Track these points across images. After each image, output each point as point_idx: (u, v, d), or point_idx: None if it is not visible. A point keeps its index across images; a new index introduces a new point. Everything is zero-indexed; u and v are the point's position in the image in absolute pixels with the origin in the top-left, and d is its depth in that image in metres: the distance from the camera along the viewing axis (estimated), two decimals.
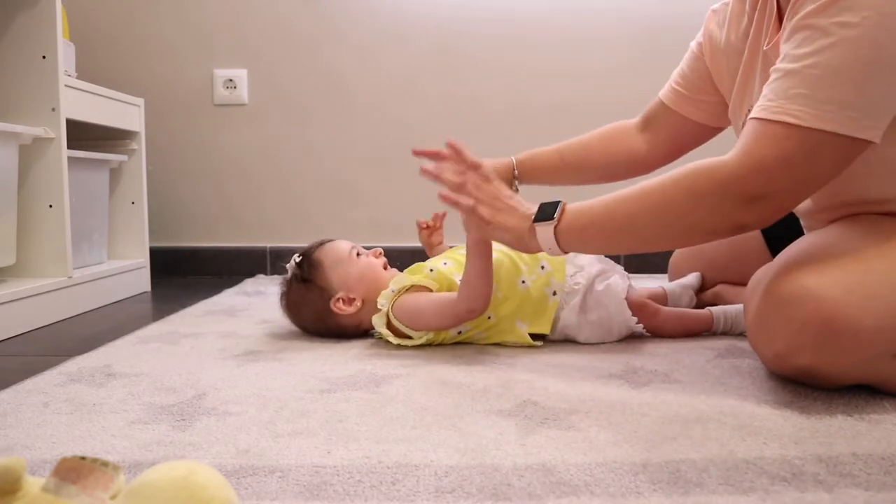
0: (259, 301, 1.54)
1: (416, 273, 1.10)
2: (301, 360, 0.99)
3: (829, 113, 0.70)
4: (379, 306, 1.07)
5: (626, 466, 0.60)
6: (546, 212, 0.87)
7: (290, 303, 1.14)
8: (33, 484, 0.40)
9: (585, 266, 1.09)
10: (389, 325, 1.07)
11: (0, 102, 1.36)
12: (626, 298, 1.07)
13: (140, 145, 1.75)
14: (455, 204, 0.93)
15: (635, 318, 1.08)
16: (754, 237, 1.19)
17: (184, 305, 1.47)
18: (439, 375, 0.90)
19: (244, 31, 1.99)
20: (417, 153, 1.06)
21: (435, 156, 1.05)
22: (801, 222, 1.00)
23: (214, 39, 1.99)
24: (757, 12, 0.91)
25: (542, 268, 1.09)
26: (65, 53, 1.41)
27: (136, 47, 1.99)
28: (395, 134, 2.01)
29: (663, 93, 1.15)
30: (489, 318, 1.05)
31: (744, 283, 0.92)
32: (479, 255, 0.98)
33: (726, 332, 1.12)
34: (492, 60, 1.99)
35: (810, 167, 0.73)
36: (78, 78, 1.52)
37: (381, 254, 1.17)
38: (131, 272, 1.68)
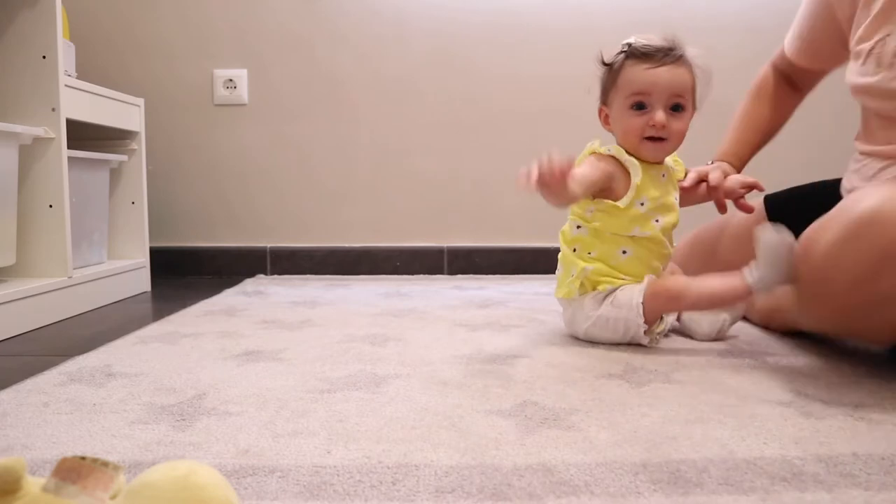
0: (259, 301, 1.54)
1: None
2: (301, 360, 0.99)
3: None
4: None
5: (626, 466, 0.60)
6: None
7: None
8: (33, 484, 0.40)
9: None
10: None
11: (0, 102, 1.36)
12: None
13: (140, 145, 1.75)
14: None
15: (645, 327, 1.04)
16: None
17: (184, 305, 1.47)
18: (439, 375, 0.90)
19: (244, 31, 1.99)
20: None
21: None
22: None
23: (214, 39, 1.99)
24: None
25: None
26: (65, 53, 1.41)
27: (136, 47, 1.99)
28: (394, 134, 2.01)
29: (795, 57, 1.24)
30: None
31: None
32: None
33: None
34: (491, 62, 1.99)
35: None
36: (78, 78, 1.52)
37: None
38: (131, 272, 1.68)
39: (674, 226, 1.08)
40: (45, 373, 0.92)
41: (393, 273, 2.01)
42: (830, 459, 0.62)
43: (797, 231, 1.24)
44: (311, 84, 2.00)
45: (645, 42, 1.01)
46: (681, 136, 1.03)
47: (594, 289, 1.07)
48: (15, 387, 0.86)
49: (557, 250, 1.14)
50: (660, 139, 1.02)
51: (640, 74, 1.00)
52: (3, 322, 1.18)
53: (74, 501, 0.40)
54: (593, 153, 1.06)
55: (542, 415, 0.74)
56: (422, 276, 1.99)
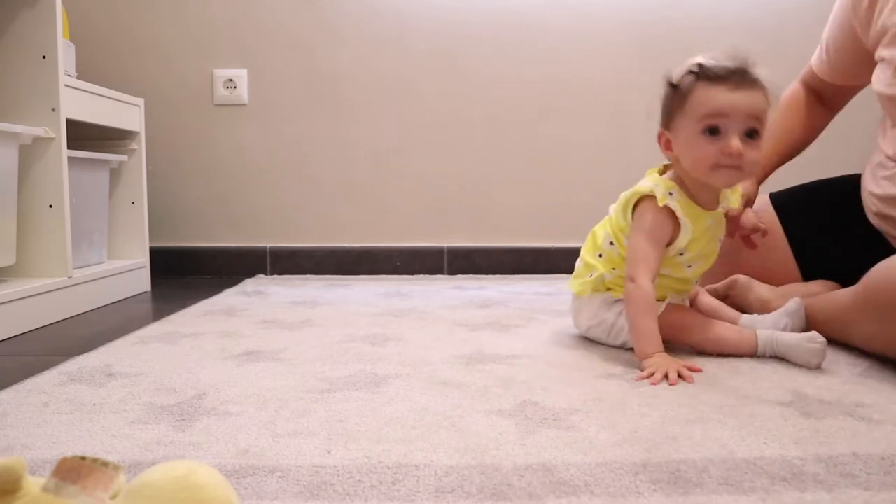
0: (259, 301, 1.54)
1: None
2: (301, 360, 0.99)
3: None
4: None
5: (626, 466, 0.60)
6: None
7: None
8: (33, 484, 0.40)
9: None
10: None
11: (0, 102, 1.36)
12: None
13: (140, 145, 1.75)
14: None
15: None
16: (782, 248, 1.23)
17: (184, 305, 1.47)
18: (439, 375, 0.90)
19: (244, 31, 1.99)
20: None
21: None
22: None
23: (214, 39, 1.99)
24: None
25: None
26: (65, 53, 1.41)
27: (136, 47, 1.99)
28: (394, 134, 2.01)
29: (822, 72, 1.23)
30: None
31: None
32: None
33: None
34: (491, 62, 1.99)
35: None
36: (78, 78, 1.52)
37: None
38: (131, 272, 1.68)
39: (705, 271, 1.07)
40: (45, 373, 0.92)
41: (393, 273, 2.01)
42: (830, 459, 0.62)
43: (807, 227, 1.25)
44: (311, 84, 2.00)
45: (717, 62, 0.92)
46: (755, 166, 0.94)
47: (608, 290, 1.07)
48: (15, 387, 0.86)
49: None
50: (733, 168, 0.92)
51: (715, 97, 0.90)
52: (3, 322, 1.18)
53: (74, 501, 0.40)
54: (650, 198, 0.98)
55: (542, 415, 0.74)
56: (422, 276, 1.99)
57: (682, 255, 1.01)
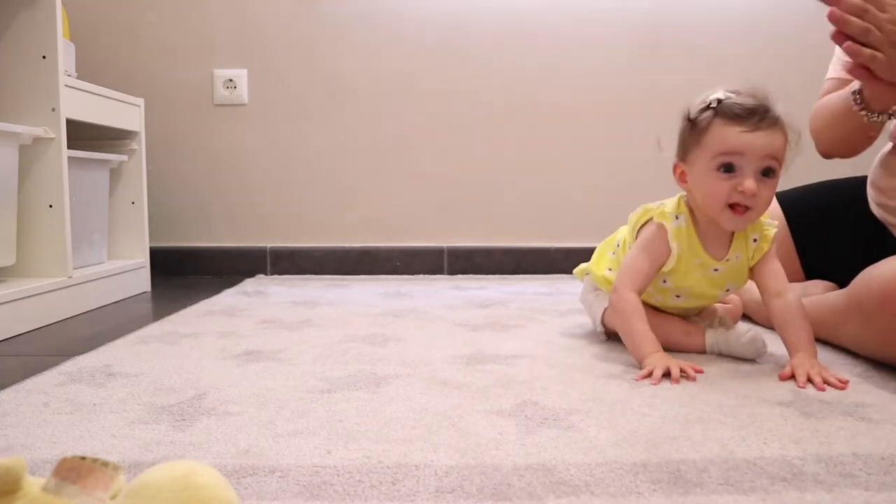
0: (259, 301, 1.54)
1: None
2: (301, 360, 0.99)
3: None
4: None
5: (626, 466, 0.60)
6: None
7: None
8: (33, 484, 0.40)
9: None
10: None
11: (0, 102, 1.36)
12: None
13: (140, 145, 1.75)
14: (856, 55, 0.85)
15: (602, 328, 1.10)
16: (786, 247, 1.22)
17: (184, 305, 1.47)
18: (439, 375, 0.90)
19: (244, 31, 1.99)
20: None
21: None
22: None
23: (214, 39, 1.99)
24: None
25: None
26: (65, 53, 1.41)
27: (136, 47, 1.99)
28: (394, 134, 2.01)
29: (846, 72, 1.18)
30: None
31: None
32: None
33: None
34: (491, 62, 1.99)
35: None
36: (78, 78, 1.52)
37: None
38: (131, 272, 1.68)
39: (698, 311, 1.07)
40: (45, 373, 0.92)
41: (393, 273, 2.01)
42: (830, 459, 0.62)
43: (812, 228, 1.25)
44: (311, 84, 2.00)
45: (736, 100, 0.89)
46: (767, 205, 0.92)
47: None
48: (15, 387, 0.86)
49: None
50: (745, 208, 0.91)
51: (732, 136, 0.89)
52: (3, 322, 1.18)
53: (74, 501, 0.40)
54: (654, 220, 0.99)
55: (542, 415, 0.74)
56: (422, 276, 1.99)
57: (664, 281, 1.01)
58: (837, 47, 1.17)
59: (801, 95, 1.83)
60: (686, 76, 1.93)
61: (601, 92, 1.99)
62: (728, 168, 0.90)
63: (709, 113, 0.91)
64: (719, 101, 0.90)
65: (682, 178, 0.98)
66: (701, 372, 0.90)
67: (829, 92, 1.19)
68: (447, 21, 1.98)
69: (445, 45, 1.99)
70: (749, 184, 0.88)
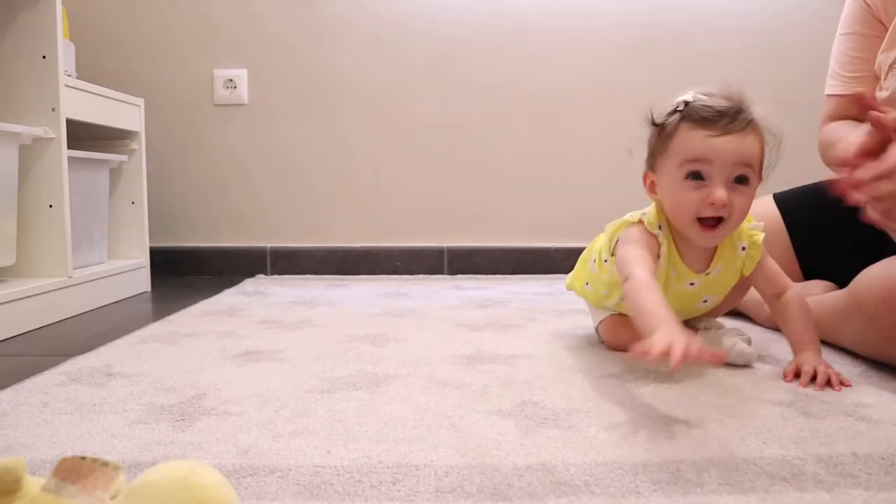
0: (259, 301, 1.54)
1: None
2: (301, 360, 0.99)
3: None
4: None
5: (626, 466, 0.60)
6: None
7: None
8: (33, 484, 0.40)
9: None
10: None
11: (0, 102, 1.36)
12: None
13: (140, 145, 1.75)
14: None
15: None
16: (784, 248, 1.22)
17: (184, 305, 1.47)
18: (439, 375, 0.90)
19: (244, 31, 1.99)
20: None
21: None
22: None
23: (214, 39, 1.99)
24: None
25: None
26: (65, 53, 1.41)
27: (136, 47, 1.99)
28: (395, 134, 2.01)
29: (843, 91, 1.15)
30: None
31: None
32: None
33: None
34: (491, 63, 1.99)
35: None
36: (78, 78, 1.52)
37: None
38: (131, 272, 1.68)
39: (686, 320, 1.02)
40: (45, 373, 0.92)
41: (393, 273, 2.01)
42: (830, 459, 0.62)
43: (810, 228, 1.25)
44: (311, 84, 2.00)
45: (705, 102, 0.83)
46: (743, 215, 0.86)
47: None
48: (15, 387, 0.86)
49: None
50: (717, 222, 0.85)
51: (698, 141, 0.82)
52: (3, 322, 1.18)
53: (74, 501, 0.40)
54: (638, 225, 0.92)
55: (542, 415, 0.74)
56: (422, 276, 1.99)
57: None
58: (833, 57, 1.17)
59: (801, 94, 1.84)
60: (687, 77, 1.93)
61: (602, 92, 1.99)
62: (696, 176, 0.84)
63: (675, 116, 0.85)
64: (687, 103, 0.84)
65: (651, 188, 0.92)
66: (723, 357, 0.81)
67: (833, 114, 1.18)
68: (447, 22, 1.98)
69: (446, 45, 1.99)
70: (719, 193, 0.82)
